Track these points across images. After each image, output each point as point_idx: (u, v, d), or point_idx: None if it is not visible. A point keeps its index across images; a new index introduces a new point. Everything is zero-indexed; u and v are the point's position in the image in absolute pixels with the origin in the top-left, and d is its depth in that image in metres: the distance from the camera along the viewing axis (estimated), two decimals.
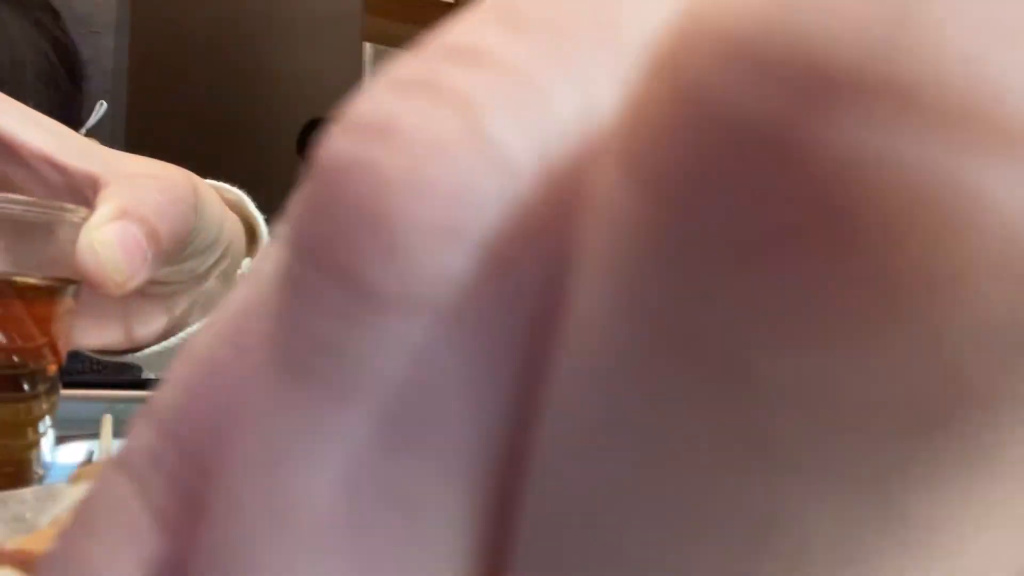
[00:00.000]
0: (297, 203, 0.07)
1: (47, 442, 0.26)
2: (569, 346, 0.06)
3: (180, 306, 0.42)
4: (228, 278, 0.44)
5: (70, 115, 0.68)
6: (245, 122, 3.05)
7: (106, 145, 0.38)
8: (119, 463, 0.08)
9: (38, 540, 0.16)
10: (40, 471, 0.26)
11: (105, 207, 0.32)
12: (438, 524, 0.06)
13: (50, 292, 0.26)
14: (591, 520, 0.06)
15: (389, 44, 4.72)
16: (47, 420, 0.26)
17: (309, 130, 3.03)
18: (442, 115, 0.06)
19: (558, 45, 0.06)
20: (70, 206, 0.27)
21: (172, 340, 0.42)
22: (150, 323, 0.41)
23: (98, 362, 0.44)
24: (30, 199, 0.26)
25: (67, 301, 0.27)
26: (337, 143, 0.06)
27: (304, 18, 3.27)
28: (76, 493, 0.20)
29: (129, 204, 0.33)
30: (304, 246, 0.06)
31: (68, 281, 0.28)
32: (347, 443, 0.06)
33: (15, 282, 0.25)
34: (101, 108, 0.71)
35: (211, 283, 0.43)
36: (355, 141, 0.06)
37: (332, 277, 0.06)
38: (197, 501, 0.07)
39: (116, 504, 0.08)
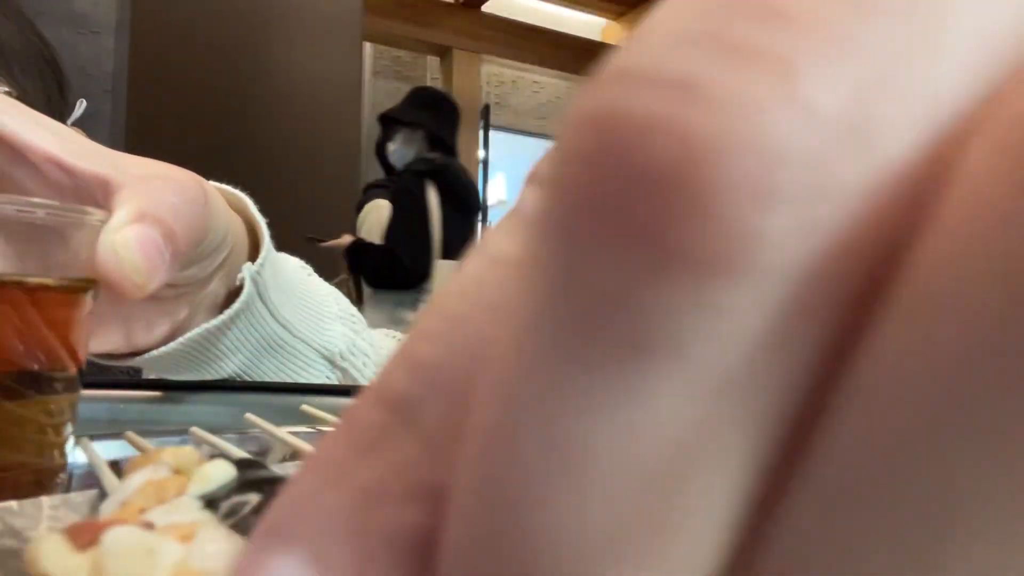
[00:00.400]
0: (570, 161, 0.07)
1: (68, 446, 0.26)
2: (899, 334, 0.06)
3: (184, 309, 0.42)
4: (230, 280, 0.44)
5: (55, 109, 0.68)
6: (245, 122, 3.05)
7: (106, 144, 0.38)
8: (380, 398, 0.09)
9: (124, 512, 0.16)
10: (64, 476, 0.26)
11: (123, 210, 0.32)
12: (716, 488, 0.07)
13: (69, 299, 0.26)
14: (863, 526, 0.06)
15: (389, 44, 4.72)
16: (69, 426, 0.26)
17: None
18: (754, 74, 0.06)
19: (864, 6, 0.06)
20: (88, 209, 0.27)
21: (175, 343, 0.42)
22: (154, 327, 0.41)
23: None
24: (49, 202, 0.26)
25: (86, 306, 0.27)
26: (626, 99, 0.06)
27: (304, 18, 3.28)
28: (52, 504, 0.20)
29: (146, 206, 0.33)
30: (589, 205, 0.06)
31: (86, 286, 0.27)
32: (638, 396, 0.06)
33: (34, 292, 0.25)
34: (81, 106, 0.71)
35: (214, 285, 0.43)
36: (652, 98, 0.06)
37: (629, 237, 0.06)
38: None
39: (383, 433, 0.08)
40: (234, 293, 0.44)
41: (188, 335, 0.42)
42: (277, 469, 0.19)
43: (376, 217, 3.01)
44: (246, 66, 3.07)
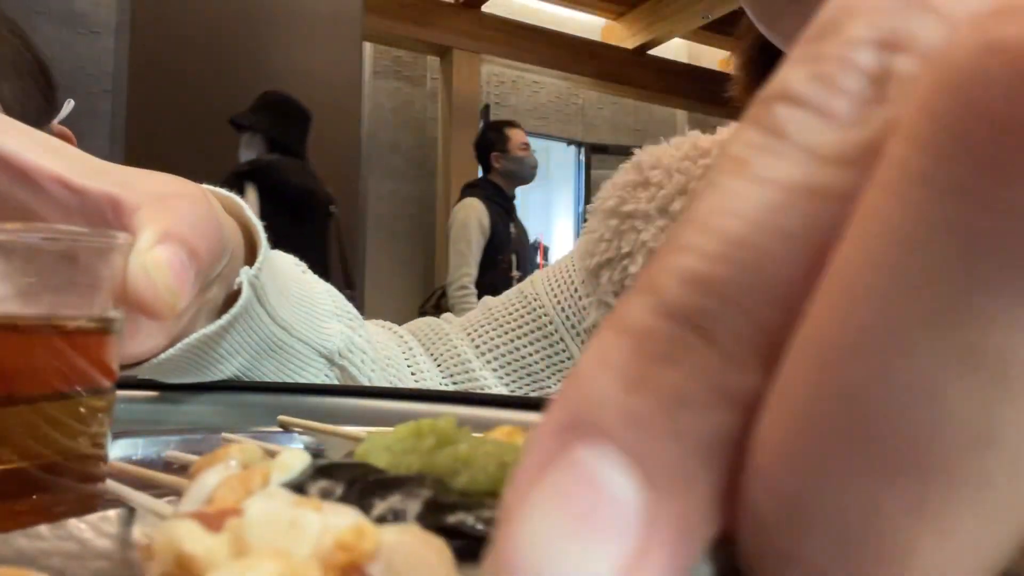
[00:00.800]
0: (998, 89, 0.07)
1: (107, 443, 0.27)
2: None
3: (187, 315, 0.42)
4: (228, 284, 0.44)
5: (42, 110, 0.68)
6: None
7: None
8: (665, 313, 0.09)
9: (215, 506, 0.15)
10: (103, 485, 0.27)
11: (148, 231, 0.32)
12: None
13: (102, 328, 0.27)
14: None
15: (389, 44, 4.72)
16: (108, 434, 0.27)
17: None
18: None
19: None
20: (113, 232, 0.27)
21: (174, 349, 0.41)
22: (151, 338, 0.41)
23: None
24: (75, 228, 0.26)
25: (117, 329, 0.28)
26: None
27: (304, 18, 3.28)
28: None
29: (169, 226, 0.33)
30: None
31: (116, 318, 0.28)
32: None
33: (67, 331, 0.26)
34: (69, 105, 0.71)
35: (213, 292, 0.43)
36: None
37: None
38: (771, 347, 0.09)
39: (677, 344, 0.09)
40: (232, 296, 0.44)
41: (186, 340, 0.41)
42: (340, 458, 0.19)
43: (463, 215, 3.15)
44: (246, 66, 3.07)
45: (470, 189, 3.28)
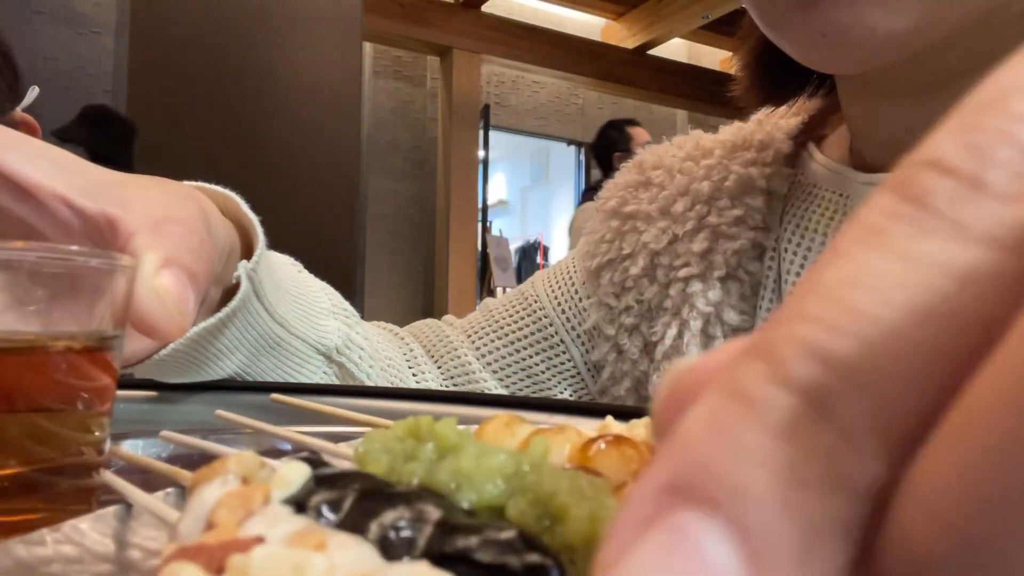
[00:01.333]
0: None
1: (105, 447, 0.28)
2: None
3: None
4: (224, 282, 0.44)
5: (4, 98, 0.68)
6: (245, 121, 3.05)
7: None
8: (790, 385, 0.09)
9: (216, 535, 0.15)
10: (100, 475, 0.27)
11: (151, 256, 0.33)
12: None
13: (103, 347, 0.28)
14: None
15: (389, 44, 4.72)
16: (107, 441, 0.28)
17: None
18: None
19: None
20: (116, 254, 0.28)
21: (173, 345, 0.42)
22: (144, 339, 0.41)
23: None
24: (79, 249, 0.26)
25: (116, 346, 0.28)
26: None
27: (304, 18, 3.28)
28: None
29: (171, 252, 0.34)
30: None
31: (117, 336, 0.28)
32: None
33: (70, 351, 0.26)
34: (33, 92, 0.72)
35: (210, 293, 0.43)
36: None
37: None
38: (899, 434, 0.08)
39: (797, 420, 0.08)
40: (228, 293, 0.44)
41: (186, 335, 0.41)
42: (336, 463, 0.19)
43: (581, 219, 3.11)
44: (246, 66, 3.07)
45: (590, 192, 3.21)
